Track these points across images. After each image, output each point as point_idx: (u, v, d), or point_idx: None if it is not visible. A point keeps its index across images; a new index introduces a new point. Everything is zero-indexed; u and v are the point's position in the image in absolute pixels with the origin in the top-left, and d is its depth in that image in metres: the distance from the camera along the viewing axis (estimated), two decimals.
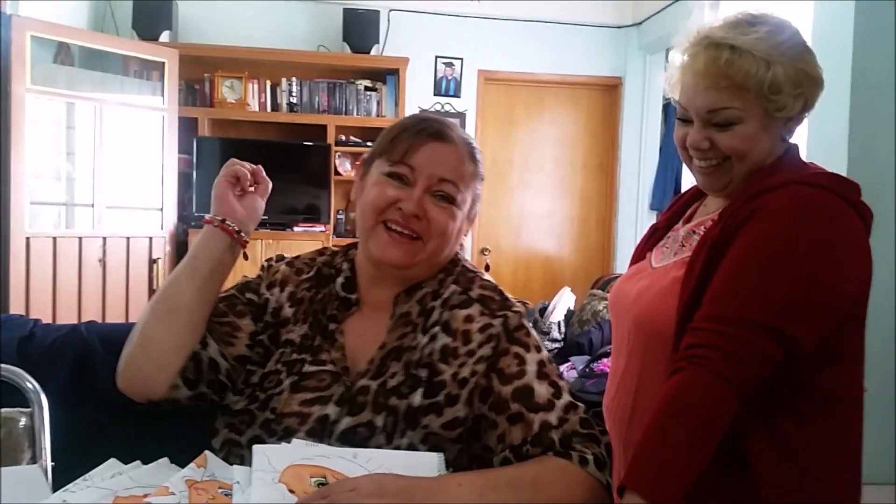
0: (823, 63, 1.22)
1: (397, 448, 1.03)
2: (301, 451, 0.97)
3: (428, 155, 1.10)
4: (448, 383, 1.06)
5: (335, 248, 1.25)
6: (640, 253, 1.42)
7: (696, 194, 1.39)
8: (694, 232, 1.30)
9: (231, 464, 1.01)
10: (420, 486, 0.92)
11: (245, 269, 1.29)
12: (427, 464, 0.97)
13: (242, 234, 1.16)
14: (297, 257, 1.24)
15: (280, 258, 1.25)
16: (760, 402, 1.09)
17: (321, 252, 1.24)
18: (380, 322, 1.14)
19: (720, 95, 1.17)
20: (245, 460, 1.01)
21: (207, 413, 1.14)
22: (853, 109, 2.72)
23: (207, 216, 1.15)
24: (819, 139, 2.80)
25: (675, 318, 1.15)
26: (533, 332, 1.12)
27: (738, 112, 1.17)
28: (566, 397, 1.06)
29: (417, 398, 1.05)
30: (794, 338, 1.06)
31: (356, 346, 1.13)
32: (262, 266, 1.24)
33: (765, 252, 1.10)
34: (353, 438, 1.03)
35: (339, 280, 1.17)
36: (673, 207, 1.43)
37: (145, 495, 0.91)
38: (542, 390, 1.05)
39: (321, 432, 1.04)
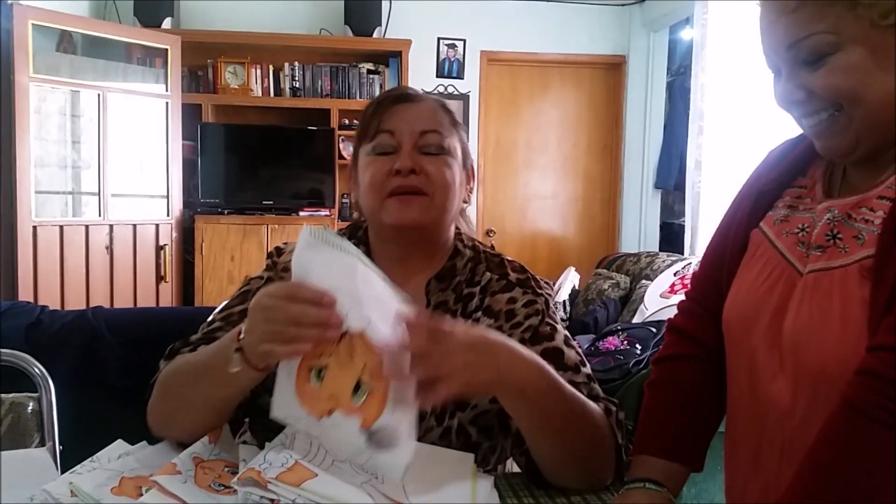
0: None
1: (448, 429, 1.06)
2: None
3: (400, 115, 1.12)
4: None
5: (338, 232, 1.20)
6: (745, 228, 1.03)
7: (811, 148, 0.98)
8: (850, 216, 0.90)
9: None
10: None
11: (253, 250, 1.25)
12: (460, 463, 0.98)
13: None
14: None
15: (279, 251, 1.20)
16: None
17: None
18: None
19: (796, 21, 0.85)
20: None
21: None
22: None
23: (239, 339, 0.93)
24: None
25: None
26: None
27: (826, 36, 0.83)
28: (589, 369, 1.11)
29: None
30: None
31: None
32: (267, 264, 1.20)
33: None
34: None
35: None
36: (784, 162, 1.03)
37: (151, 475, 0.93)
38: (570, 354, 1.09)
39: None
